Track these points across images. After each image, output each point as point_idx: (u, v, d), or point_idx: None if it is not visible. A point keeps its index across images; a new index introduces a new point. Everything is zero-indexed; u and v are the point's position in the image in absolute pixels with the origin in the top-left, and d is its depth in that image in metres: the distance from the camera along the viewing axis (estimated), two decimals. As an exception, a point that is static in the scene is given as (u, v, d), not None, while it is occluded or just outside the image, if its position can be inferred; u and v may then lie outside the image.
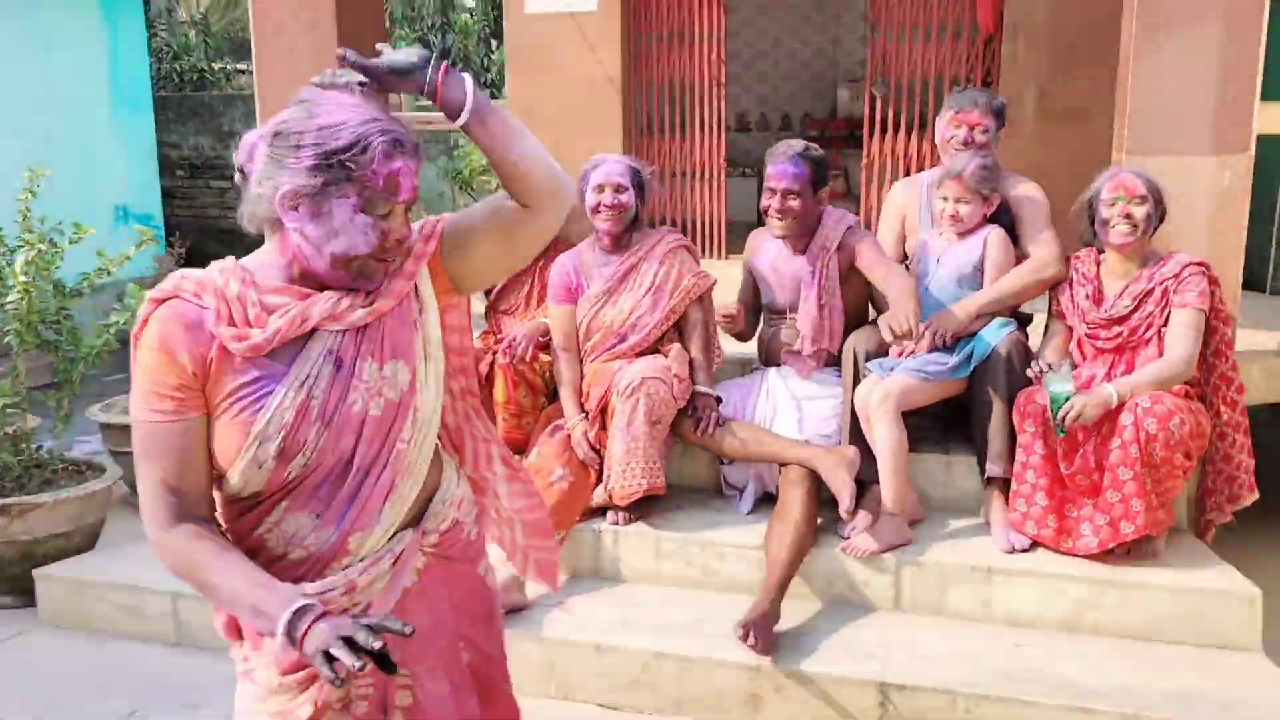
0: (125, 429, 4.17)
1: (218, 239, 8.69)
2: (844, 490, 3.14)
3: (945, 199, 3.34)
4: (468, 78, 1.51)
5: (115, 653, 3.42)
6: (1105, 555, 3.09)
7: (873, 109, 6.05)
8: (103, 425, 4.49)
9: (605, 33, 6.18)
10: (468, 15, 14.06)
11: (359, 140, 1.44)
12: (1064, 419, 2.97)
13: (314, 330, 1.50)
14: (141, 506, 1.51)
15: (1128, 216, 3.09)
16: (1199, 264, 3.11)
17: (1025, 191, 3.49)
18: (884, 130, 6.04)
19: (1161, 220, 3.13)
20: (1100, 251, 3.26)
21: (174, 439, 1.46)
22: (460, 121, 1.50)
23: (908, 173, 6.01)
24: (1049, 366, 3.07)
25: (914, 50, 6.01)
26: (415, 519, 1.64)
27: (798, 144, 3.45)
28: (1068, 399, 2.97)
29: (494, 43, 13.29)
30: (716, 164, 6.39)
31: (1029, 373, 3.14)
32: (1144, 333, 3.11)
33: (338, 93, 1.49)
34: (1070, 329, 3.29)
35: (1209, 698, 2.69)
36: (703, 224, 6.47)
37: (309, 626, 1.34)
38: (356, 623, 1.33)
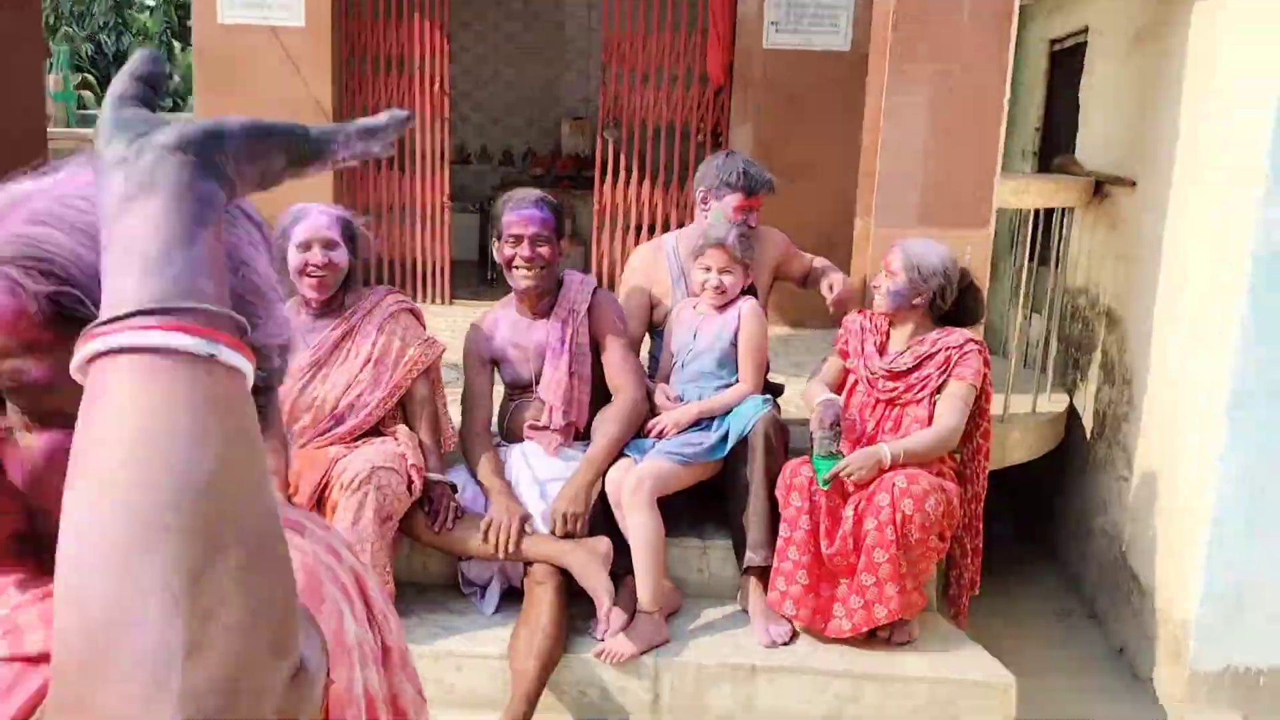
0: None
1: None
2: (601, 590, 2.83)
3: (708, 269, 3.13)
4: None
5: None
6: (863, 640, 2.98)
7: (604, 153, 5.86)
8: None
9: (313, 52, 5.61)
10: (147, 15, 12.73)
11: None
12: (831, 479, 2.89)
13: None
14: None
15: (876, 285, 3.13)
16: (978, 342, 3.11)
17: (777, 240, 3.47)
18: (615, 176, 5.86)
19: (942, 296, 3.09)
20: None
21: None
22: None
23: (639, 221, 5.87)
24: (812, 436, 2.95)
25: (645, 96, 5.88)
26: None
27: (534, 191, 3.17)
28: (833, 459, 2.90)
29: (178, 45, 12.10)
30: (439, 200, 5.96)
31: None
32: (918, 391, 3.07)
33: None
34: (847, 371, 3.24)
35: (975, 799, 2.60)
36: (425, 264, 6.01)
37: None
38: None
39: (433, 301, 5.93)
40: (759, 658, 2.92)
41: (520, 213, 3.04)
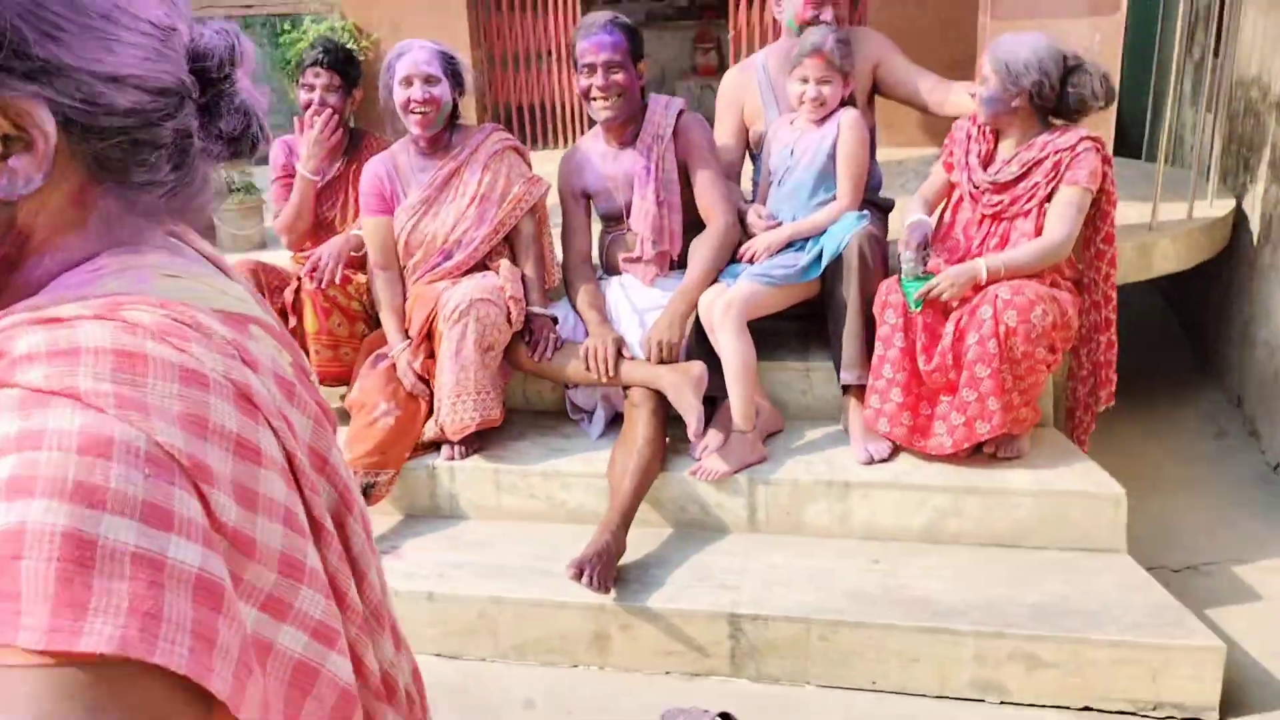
0: None
1: None
2: (690, 412, 2.88)
3: (805, 80, 3.00)
4: None
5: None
6: (967, 455, 2.92)
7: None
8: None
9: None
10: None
11: None
12: (920, 299, 2.79)
13: None
14: None
15: (974, 94, 2.89)
16: (1094, 140, 2.87)
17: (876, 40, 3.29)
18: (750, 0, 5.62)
19: (1039, 93, 2.82)
20: None
21: None
22: None
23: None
24: (899, 258, 2.86)
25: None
26: None
27: (605, 14, 3.09)
28: (921, 280, 2.80)
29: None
30: (573, 41, 5.90)
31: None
32: (1025, 202, 2.88)
33: None
34: (953, 184, 3.07)
35: (1072, 608, 2.56)
36: (561, 107, 6.03)
37: None
38: None
39: (570, 144, 5.96)
40: (855, 474, 2.92)
41: (591, 39, 3.00)
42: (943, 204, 3.09)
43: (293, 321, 3.19)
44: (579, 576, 2.61)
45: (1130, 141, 5.32)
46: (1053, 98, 2.82)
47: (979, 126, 3.02)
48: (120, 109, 0.65)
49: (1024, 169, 2.89)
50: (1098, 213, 2.95)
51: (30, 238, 0.66)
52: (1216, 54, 4.09)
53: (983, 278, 2.78)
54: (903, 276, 2.84)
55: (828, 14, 3.12)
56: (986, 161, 2.98)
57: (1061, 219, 2.84)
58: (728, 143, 3.34)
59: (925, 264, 2.83)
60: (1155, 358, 4.71)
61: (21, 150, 0.62)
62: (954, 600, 2.61)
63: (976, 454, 2.94)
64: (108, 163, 0.67)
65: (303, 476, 0.68)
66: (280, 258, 3.59)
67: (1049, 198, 2.87)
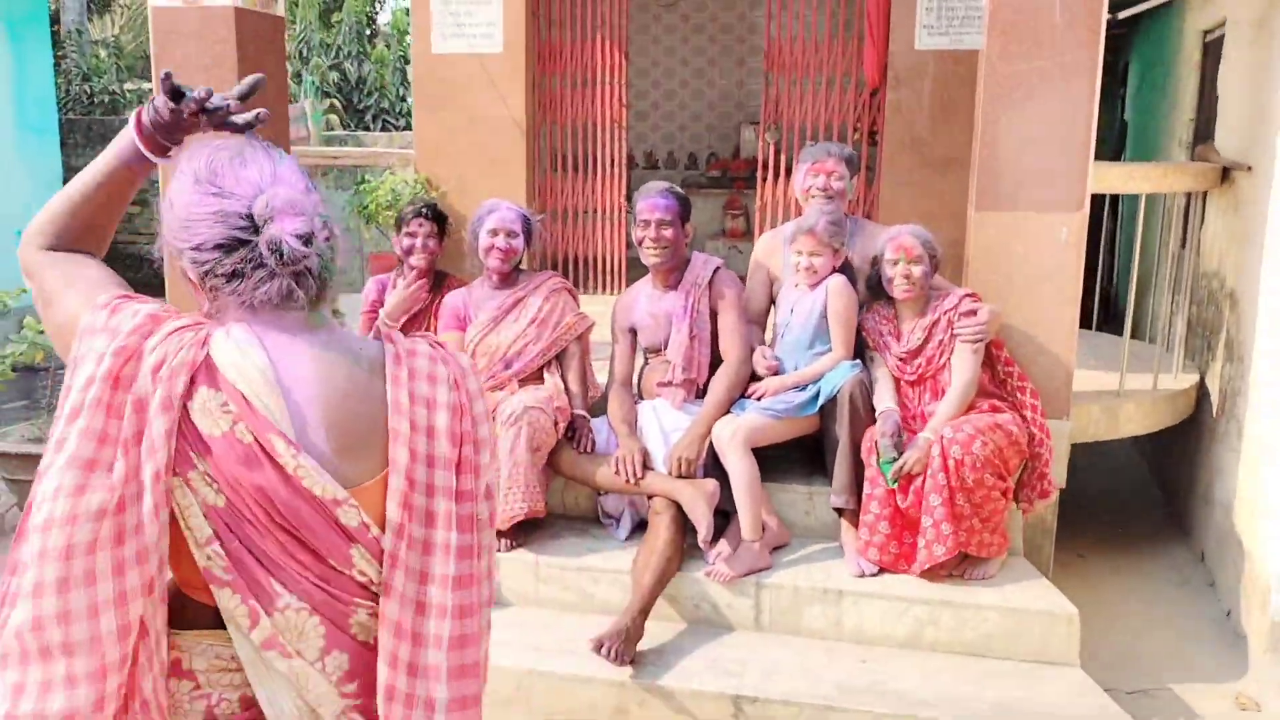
0: (20, 457, 4.22)
1: (124, 262, 8.66)
2: (701, 521, 3.37)
3: (800, 253, 3.62)
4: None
5: None
6: (944, 576, 3.38)
7: (765, 154, 6.37)
8: (-2, 453, 4.53)
9: (510, 74, 6.40)
10: (384, 45, 14.20)
11: None
12: (896, 475, 3.32)
13: None
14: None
15: (907, 276, 3.51)
16: (972, 295, 3.54)
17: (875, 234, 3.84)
18: (776, 175, 6.35)
19: (935, 269, 3.56)
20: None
21: None
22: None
23: (799, 215, 6.33)
24: (875, 443, 3.39)
25: (805, 98, 6.35)
26: None
27: (663, 183, 3.76)
28: (893, 461, 3.33)
29: (409, 72, 13.47)
30: (617, 202, 6.64)
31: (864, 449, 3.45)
32: (939, 360, 3.50)
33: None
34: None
35: (1027, 707, 2.97)
36: (604, 260, 6.71)
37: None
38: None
39: (609, 291, 6.61)
40: (847, 585, 3.38)
41: (648, 200, 3.65)
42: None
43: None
44: (599, 649, 3.05)
45: (1115, 317, 5.91)
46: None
47: (876, 312, 3.68)
48: (200, 261, 1.32)
49: (926, 333, 3.53)
50: (989, 354, 3.59)
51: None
52: (1184, 245, 4.71)
53: (934, 444, 3.32)
54: (880, 459, 3.36)
55: (832, 182, 3.75)
56: (897, 336, 3.61)
57: (960, 369, 3.47)
58: (758, 293, 3.93)
59: (898, 449, 3.35)
60: (1133, 512, 5.17)
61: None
62: (926, 694, 3.03)
63: (949, 575, 3.41)
64: (203, 279, 1.33)
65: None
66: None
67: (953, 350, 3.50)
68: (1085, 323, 6.28)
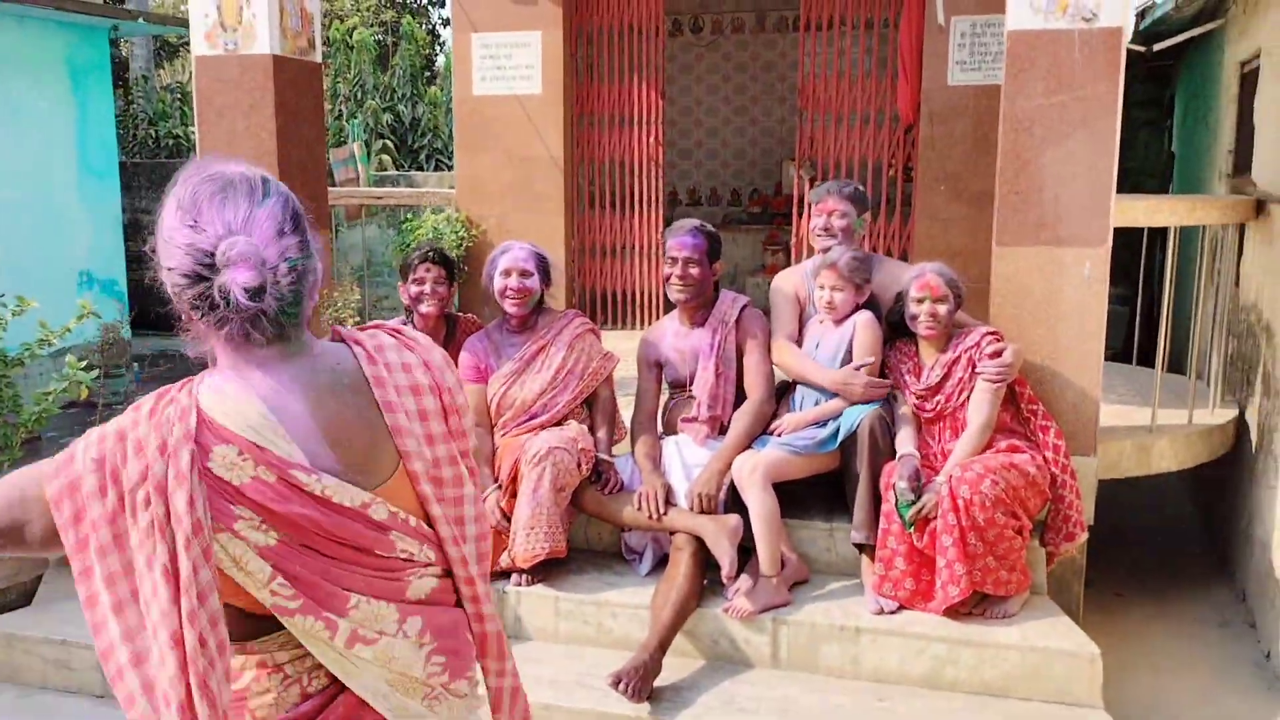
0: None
1: (158, 295, 8.91)
2: (724, 556, 3.38)
3: (823, 287, 3.64)
4: None
5: (43, 703, 3.60)
6: (965, 615, 3.35)
7: (800, 189, 6.40)
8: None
9: (549, 114, 6.53)
10: (437, 88, 14.51)
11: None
12: (913, 519, 3.32)
13: None
14: None
15: (932, 314, 3.51)
16: (993, 333, 3.52)
17: (896, 273, 3.83)
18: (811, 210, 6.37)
19: (959, 306, 3.55)
20: None
21: None
22: None
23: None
24: (894, 486, 3.38)
25: (840, 135, 6.39)
26: None
27: (694, 220, 3.78)
28: (910, 504, 3.32)
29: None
30: (654, 238, 6.71)
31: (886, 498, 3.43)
32: (958, 397, 3.49)
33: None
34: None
35: (1045, 749, 2.93)
36: (641, 295, 6.78)
37: None
38: None
39: (645, 326, 6.65)
40: (865, 622, 3.36)
41: (677, 239, 3.69)
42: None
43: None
44: (616, 685, 3.07)
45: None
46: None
47: (897, 350, 3.67)
48: (173, 284, 1.36)
49: (946, 369, 3.52)
50: (1012, 391, 3.55)
51: None
52: (1218, 279, 4.64)
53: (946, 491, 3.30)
54: (898, 503, 3.35)
55: (836, 221, 3.78)
56: (917, 374, 3.60)
57: (978, 408, 3.45)
58: (785, 317, 3.87)
59: (916, 493, 3.33)
60: (1176, 550, 5.06)
61: None
62: (942, 734, 3.00)
63: (969, 615, 3.37)
64: (177, 299, 1.40)
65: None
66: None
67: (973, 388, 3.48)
68: (1126, 357, 6.23)
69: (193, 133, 13.35)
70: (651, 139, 6.64)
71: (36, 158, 7.46)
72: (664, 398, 3.96)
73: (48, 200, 7.53)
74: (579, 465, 3.61)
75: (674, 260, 3.69)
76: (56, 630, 3.73)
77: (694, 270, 3.67)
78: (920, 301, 3.51)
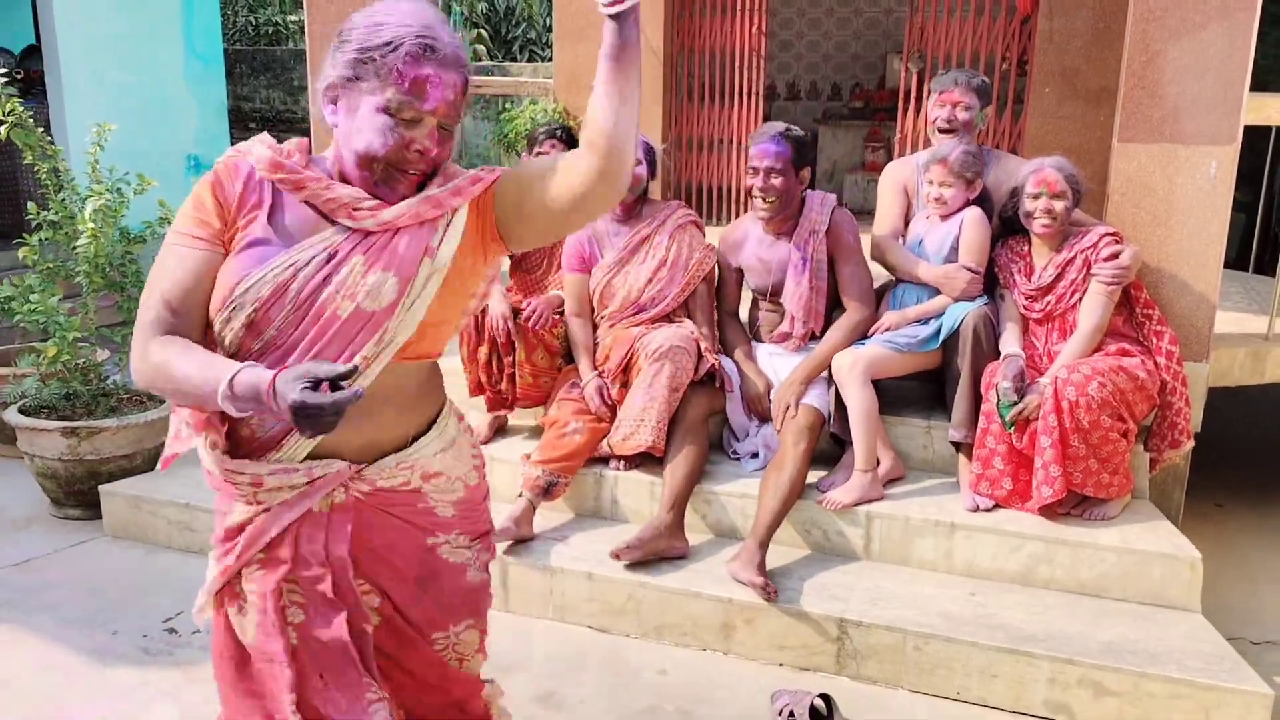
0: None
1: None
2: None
3: (931, 182, 3.55)
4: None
5: (166, 562, 3.83)
6: (1062, 515, 3.33)
7: (907, 83, 6.21)
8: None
9: (650, 2, 6.40)
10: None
11: (393, 40, 1.49)
12: (1013, 420, 3.27)
13: (334, 223, 1.58)
14: (137, 324, 1.58)
15: (1049, 211, 3.38)
16: (1113, 234, 3.40)
17: (1010, 168, 3.72)
18: (918, 106, 6.19)
19: (1077, 204, 3.43)
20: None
21: (189, 262, 1.56)
22: (614, 10, 1.44)
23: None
24: (996, 386, 3.32)
25: (952, 27, 6.15)
26: (373, 455, 1.67)
27: (779, 125, 3.60)
28: (1012, 405, 3.27)
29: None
30: (753, 132, 6.59)
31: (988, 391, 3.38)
32: (1070, 299, 3.41)
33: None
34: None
35: (1138, 649, 2.93)
36: (738, 190, 6.71)
37: (272, 387, 1.40)
38: (304, 371, 1.40)
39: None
40: (960, 518, 3.37)
41: (760, 145, 3.54)
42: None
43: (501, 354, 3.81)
44: (746, 578, 3.13)
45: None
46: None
47: (1008, 247, 3.56)
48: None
49: (1059, 270, 3.42)
50: (1127, 295, 3.46)
51: None
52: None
53: (1049, 393, 3.23)
54: (1000, 403, 3.29)
55: (960, 113, 3.65)
56: (1028, 274, 3.50)
57: (1090, 311, 3.36)
58: (892, 213, 3.81)
59: (1019, 394, 3.27)
60: (1280, 465, 4.94)
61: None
62: (1035, 630, 3.02)
63: (1067, 515, 3.35)
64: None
65: None
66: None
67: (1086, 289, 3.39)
68: (1243, 264, 5.98)
69: (291, 20, 13.43)
70: (754, 28, 6.47)
71: (145, 42, 7.60)
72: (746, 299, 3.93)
73: (157, 84, 7.70)
74: (695, 368, 3.63)
75: (755, 170, 3.54)
76: (180, 494, 3.94)
77: (776, 181, 3.52)
78: (1036, 197, 3.40)
